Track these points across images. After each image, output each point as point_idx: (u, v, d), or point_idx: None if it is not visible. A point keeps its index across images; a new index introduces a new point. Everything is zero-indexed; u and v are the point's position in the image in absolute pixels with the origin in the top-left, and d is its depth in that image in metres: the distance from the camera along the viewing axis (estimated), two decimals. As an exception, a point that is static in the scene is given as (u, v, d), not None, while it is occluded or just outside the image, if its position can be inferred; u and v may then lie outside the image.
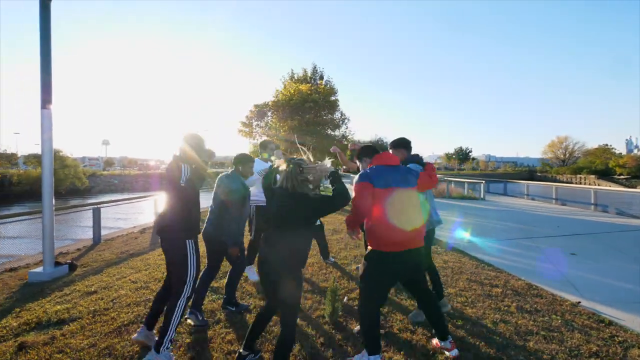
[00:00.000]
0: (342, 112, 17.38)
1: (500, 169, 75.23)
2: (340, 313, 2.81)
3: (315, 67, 18.33)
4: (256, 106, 16.73)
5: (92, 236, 7.45)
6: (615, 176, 50.17)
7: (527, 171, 66.44)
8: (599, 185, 35.18)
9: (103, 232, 8.41)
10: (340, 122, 17.22)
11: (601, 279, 4.26)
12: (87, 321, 2.96)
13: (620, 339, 2.75)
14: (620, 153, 61.21)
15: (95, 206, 7.75)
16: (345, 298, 3.34)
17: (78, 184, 34.32)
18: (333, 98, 16.35)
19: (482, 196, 14.59)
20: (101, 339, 2.65)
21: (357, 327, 2.67)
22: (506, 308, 3.29)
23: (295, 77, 17.72)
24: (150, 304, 3.23)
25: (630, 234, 7.35)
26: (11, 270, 5.03)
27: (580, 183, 45.28)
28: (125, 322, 2.90)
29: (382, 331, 2.66)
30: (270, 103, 16.24)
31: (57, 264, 4.70)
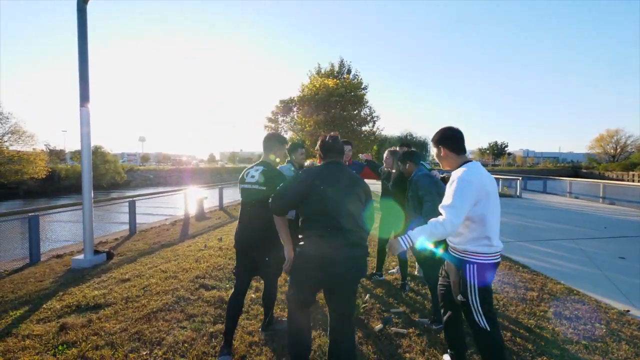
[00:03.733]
0: (370, 107, 17.06)
1: (540, 165, 70.66)
2: (361, 310, 2.76)
3: (342, 61, 18.10)
4: (282, 102, 16.88)
5: (128, 227, 7.94)
6: (674, 173, 45.36)
7: (571, 167, 61.90)
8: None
9: (138, 223, 8.95)
10: (369, 118, 16.90)
11: None
12: (120, 307, 3.15)
13: (675, 352, 2.47)
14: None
15: (131, 199, 8.22)
16: (368, 296, 3.28)
17: (117, 178, 36.77)
18: (360, 92, 16.06)
19: (518, 193, 13.78)
20: (132, 324, 2.80)
21: (378, 327, 2.62)
22: (542, 313, 3.07)
23: (322, 72, 17.60)
24: (178, 293, 3.40)
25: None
26: (57, 257, 5.46)
27: (633, 181, 41.41)
28: (154, 309, 3.04)
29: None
30: (295, 98, 16.30)
31: (97, 252, 5.04)
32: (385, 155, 3.64)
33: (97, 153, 35.34)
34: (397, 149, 3.81)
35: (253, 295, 3.36)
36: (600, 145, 60.47)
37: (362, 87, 16.00)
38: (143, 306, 3.13)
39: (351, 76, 16.76)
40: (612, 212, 9.86)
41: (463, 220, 1.74)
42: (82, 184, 4.97)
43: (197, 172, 47.18)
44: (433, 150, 2.09)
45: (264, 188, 2.27)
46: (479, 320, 1.83)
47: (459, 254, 1.89)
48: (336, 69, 17.70)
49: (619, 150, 58.92)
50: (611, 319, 3.01)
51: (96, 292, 3.53)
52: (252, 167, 2.48)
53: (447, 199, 1.80)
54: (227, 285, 3.65)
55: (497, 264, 1.88)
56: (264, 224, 2.24)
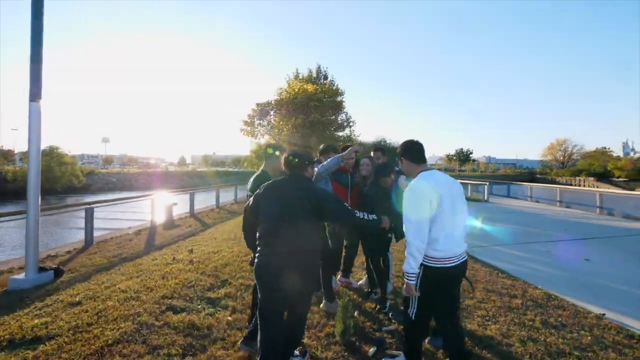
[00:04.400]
0: (347, 113, 17.08)
1: (501, 171, 75.03)
2: (352, 332, 2.49)
3: (319, 67, 18.00)
4: (258, 105, 16.39)
5: (84, 237, 7.12)
6: (614, 178, 50.04)
7: (527, 173, 66.23)
8: (597, 187, 34.99)
9: (97, 233, 8.08)
10: (346, 123, 16.91)
11: (619, 287, 4.03)
12: (66, 339, 2.62)
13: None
14: (618, 156, 61.20)
15: (88, 206, 7.41)
16: (356, 312, 3.01)
17: (75, 182, 33.92)
18: (339, 99, 16.02)
19: (486, 198, 14.29)
20: (80, 362, 2.32)
21: (372, 350, 2.35)
22: (530, 323, 2.99)
23: (300, 77, 17.40)
24: (140, 318, 2.93)
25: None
26: (-6, 275, 4.69)
27: (580, 185, 45.10)
28: (109, 341, 2.56)
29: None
30: (273, 102, 15.90)
31: (42, 269, 4.37)
32: (365, 161, 3.43)
33: (53, 154, 32.47)
34: (372, 153, 3.65)
35: (229, 318, 2.96)
36: (551, 152, 65.48)
37: (340, 93, 16.00)
38: (95, 338, 2.63)
39: (328, 82, 16.69)
40: (570, 215, 10.44)
41: (427, 231, 1.85)
42: (28, 189, 4.29)
43: (166, 176, 44.80)
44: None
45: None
46: (411, 310, 2.02)
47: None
48: (314, 74, 17.56)
49: (566, 157, 64.11)
50: (592, 325, 3.02)
51: (36, 321, 2.95)
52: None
53: (405, 215, 1.91)
54: (199, 306, 3.22)
55: (451, 268, 1.90)
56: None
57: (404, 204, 1.91)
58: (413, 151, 2.08)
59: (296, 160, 2.11)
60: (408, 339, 2.15)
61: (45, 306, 3.36)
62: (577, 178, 52.04)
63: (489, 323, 2.95)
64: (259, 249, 2.00)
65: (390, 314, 3.03)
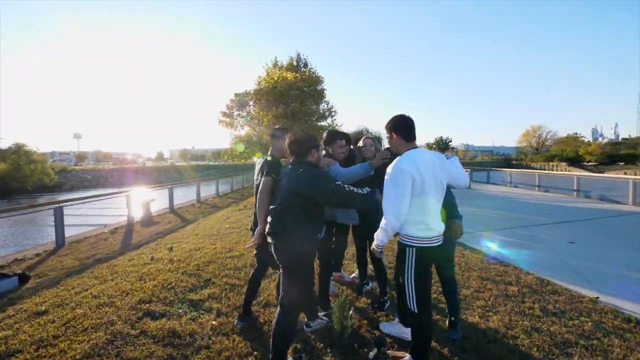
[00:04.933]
0: (328, 102, 16.71)
1: (478, 158, 77.18)
2: (350, 331, 2.29)
3: (299, 55, 17.43)
4: (237, 95, 15.75)
5: (54, 239, 6.60)
6: (584, 163, 52.44)
7: (504, 159, 68.34)
8: (569, 171, 36.52)
9: (71, 233, 7.56)
10: (327, 113, 16.55)
11: (606, 268, 4.08)
12: (28, 356, 2.30)
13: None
14: (589, 141, 64.05)
15: (58, 205, 6.86)
16: (352, 310, 2.81)
17: (46, 180, 32.18)
18: (320, 87, 15.58)
19: (468, 185, 14.48)
20: (42, 382, 2.02)
21: (372, 352, 2.17)
22: (530, 311, 2.90)
23: (280, 65, 16.81)
24: (113, 327, 2.63)
25: (618, 219, 7.30)
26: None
27: (553, 170, 46.93)
28: (77, 357, 2.25)
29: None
30: (252, 91, 15.32)
31: (3, 276, 3.94)
32: (367, 142, 3.02)
33: (20, 152, 30.62)
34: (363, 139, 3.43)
35: (214, 323, 2.70)
36: (526, 139, 67.67)
37: (320, 81, 15.57)
38: (61, 353, 2.32)
39: (308, 70, 16.23)
40: (550, 199, 10.70)
41: (406, 211, 1.83)
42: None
43: (143, 172, 43.15)
44: (386, 137, 2.11)
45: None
46: (410, 303, 1.92)
47: (402, 238, 1.95)
48: (294, 62, 17.01)
49: (541, 143, 66.48)
50: (589, 309, 2.99)
51: (-7, 337, 2.60)
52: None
53: (385, 193, 1.90)
54: (180, 311, 2.93)
55: (438, 247, 1.93)
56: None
57: (385, 180, 1.90)
58: (405, 127, 1.98)
59: (298, 145, 2.14)
60: (419, 338, 2.00)
61: (6, 317, 2.99)
62: (551, 163, 54.18)
63: (490, 314, 2.84)
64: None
65: (387, 303, 2.89)
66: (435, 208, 1.92)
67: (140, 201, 9.39)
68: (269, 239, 2.09)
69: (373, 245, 2.01)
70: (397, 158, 1.93)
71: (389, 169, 1.91)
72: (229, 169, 36.58)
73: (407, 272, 1.90)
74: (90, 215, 11.83)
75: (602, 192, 11.42)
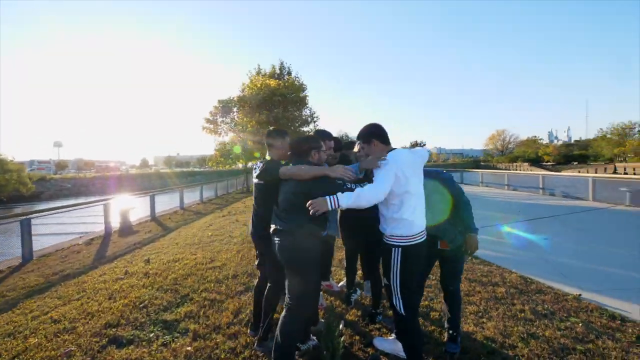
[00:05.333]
0: (311, 109, 16.48)
1: (450, 160, 79.33)
2: (341, 352, 1.97)
3: (282, 63, 17.12)
4: (220, 101, 15.21)
5: (21, 253, 5.89)
6: (544, 163, 54.98)
7: (473, 161, 70.53)
8: (531, 171, 38.08)
9: (46, 244, 6.86)
10: (310, 119, 16.30)
11: (581, 264, 4.01)
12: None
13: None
14: (547, 143, 67.37)
15: (23, 217, 6.15)
16: (342, 324, 2.50)
17: (23, 190, 29.89)
18: (302, 94, 15.32)
19: (444, 185, 14.55)
20: None
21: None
22: (522, 315, 2.70)
23: (263, 73, 16.42)
24: (74, 358, 2.18)
25: (583, 214, 7.41)
26: None
27: (517, 170, 48.85)
28: (19, 403, 1.81)
29: None
30: (235, 98, 14.82)
31: (-50, 301, 3.34)
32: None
33: (-5, 161, 28.33)
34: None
35: (189, 349, 2.30)
36: (492, 142, 70.31)
37: (303, 88, 15.32)
38: (0, 399, 1.87)
39: (292, 77, 15.95)
40: (519, 197, 10.86)
41: (383, 196, 1.78)
42: None
43: (126, 179, 41.16)
44: (359, 147, 2.06)
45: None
46: (397, 304, 1.86)
47: (387, 239, 1.89)
48: (277, 70, 16.67)
49: (505, 146, 69.25)
50: (576, 308, 2.85)
51: None
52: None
53: (375, 181, 1.84)
54: (152, 335, 2.51)
55: (422, 244, 1.87)
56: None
57: (375, 174, 1.84)
58: (383, 133, 2.00)
59: (299, 146, 2.08)
60: (411, 348, 1.87)
61: (-61, 355, 2.46)
62: (514, 164, 56.46)
63: (484, 320, 2.61)
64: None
65: (379, 316, 2.59)
66: (419, 205, 1.88)
67: (118, 210, 8.73)
68: (274, 239, 1.97)
69: (330, 202, 1.73)
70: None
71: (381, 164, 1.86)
72: (214, 175, 35.55)
73: (393, 273, 1.84)
74: (70, 223, 10.94)
75: (564, 189, 11.77)
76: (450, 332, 2.16)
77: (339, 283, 3.36)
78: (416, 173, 1.90)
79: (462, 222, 2.16)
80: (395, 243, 1.83)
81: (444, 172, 2.33)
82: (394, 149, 1.95)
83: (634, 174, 32.38)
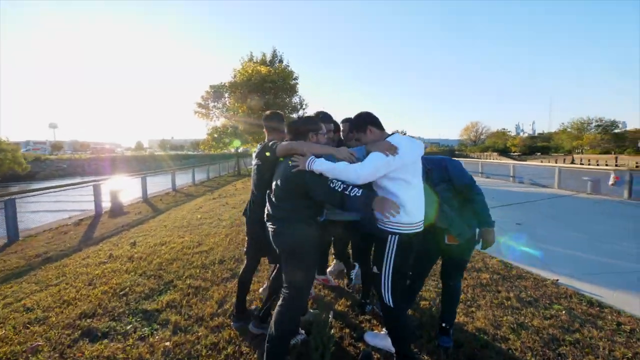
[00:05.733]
0: (300, 96, 15.85)
1: (428, 149, 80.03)
2: (332, 350, 1.71)
3: (275, 51, 16.22)
4: (212, 87, 14.33)
5: (6, 233, 5.36)
6: (511, 153, 56.28)
7: (448, 150, 71.38)
8: (500, 160, 38.90)
9: (40, 223, 6.34)
10: (299, 106, 15.70)
11: (554, 249, 3.93)
12: None
13: (626, 327, 2.21)
14: (515, 135, 68.75)
15: (8, 198, 5.57)
16: (332, 315, 2.24)
17: (18, 169, 28.13)
18: (293, 82, 14.63)
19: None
20: None
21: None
22: (509, 303, 2.53)
23: (255, 60, 15.54)
24: (35, 357, 1.84)
25: (551, 201, 7.44)
26: None
27: (487, 159, 49.86)
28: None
29: None
30: (227, 84, 13.99)
31: None
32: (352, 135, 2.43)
33: (-13, 141, 26.37)
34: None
35: (167, 344, 1.99)
36: (466, 133, 71.20)
37: (294, 77, 14.64)
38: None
39: (283, 65, 15.19)
40: (491, 184, 10.89)
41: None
42: None
43: (120, 161, 39.40)
44: (352, 135, 1.83)
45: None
46: (385, 295, 1.66)
47: (383, 225, 1.64)
48: (268, 57, 15.82)
49: (477, 137, 70.30)
50: (557, 295, 2.73)
51: None
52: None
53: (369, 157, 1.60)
54: (129, 327, 2.17)
55: (419, 235, 1.67)
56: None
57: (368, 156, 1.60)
58: (377, 120, 1.78)
59: (295, 127, 1.80)
60: (399, 341, 1.67)
61: None
62: (485, 153, 57.53)
63: (473, 309, 2.41)
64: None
65: (369, 306, 2.34)
66: (418, 192, 1.67)
67: (110, 190, 8.15)
68: (268, 225, 1.73)
69: (309, 163, 1.57)
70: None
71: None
72: (207, 159, 34.47)
73: (386, 261, 1.63)
74: (68, 201, 10.17)
75: (532, 177, 11.90)
76: (444, 324, 1.94)
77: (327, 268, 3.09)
78: (416, 162, 1.68)
79: (473, 214, 1.88)
80: (391, 230, 1.60)
81: (451, 158, 2.03)
82: (391, 134, 1.72)
83: (589, 164, 33.58)
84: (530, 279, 3.07)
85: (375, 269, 1.70)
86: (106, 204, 7.72)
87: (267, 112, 2.13)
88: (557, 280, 3.05)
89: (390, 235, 1.61)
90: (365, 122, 1.74)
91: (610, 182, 8.81)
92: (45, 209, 9.96)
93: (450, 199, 1.85)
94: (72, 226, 6.21)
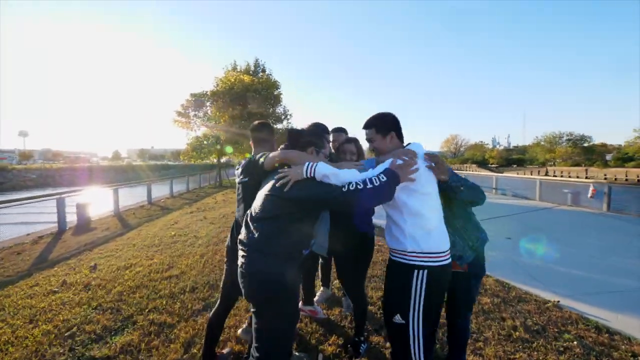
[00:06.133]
0: (284, 106, 15.68)
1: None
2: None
3: (257, 60, 16.07)
4: (193, 95, 13.87)
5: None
6: (489, 165, 58.49)
7: (430, 162, 73.18)
8: (479, 172, 40.20)
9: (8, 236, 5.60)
10: (283, 116, 15.48)
11: (547, 265, 3.80)
12: None
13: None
14: (492, 148, 71.79)
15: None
16: (320, 357, 1.90)
17: (-23, 180, 26.02)
18: (277, 92, 14.46)
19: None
20: None
21: None
22: (517, 334, 2.28)
23: (238, 69, 15.29)
24: None
25: (534, 213, 7.48)
26: None
27: (466, 170, 51.44)
28: None
29: None
30: (209, 92, 13.59)
31: None
32: (349, 147, 1.99)
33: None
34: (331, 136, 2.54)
35: None
36: (447, 145, 73.59)
37: (277, 86, 14.49)
38: None
39: (266, 75, 15.03)
40: (477, 196, 10.97)
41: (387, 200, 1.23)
42: None
43: (96, 171, 37.43)
44: (369, 139, 1.52)
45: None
46: (415, 353, 1.27)
47: (404, 257, 1.30)
48: (252, 68, 15.63)
49: (457, 149, 72.81)
50: (562, 320, 2.54)
51: None
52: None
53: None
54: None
55: (450, 267, 1.34)
56: None
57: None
58: (399, 126, 1.48)
59: (296, 136, 1.51)
60: None
61: None
62: (465, 165, 59.46)
63: (480, 344, 2.14)
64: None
65: (363, 345, 1.99)
66: (438, 204, 1.40)
67: (75, 204, 7.45)
68: (239, 255, 1.36)
69: (306, 169, 1.26)
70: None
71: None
72: (187, 169, 33.38)
73: (414, 307, 1.26)
74: (38, 213, 9.17)
75: (513, 189, 12.13)
76: None
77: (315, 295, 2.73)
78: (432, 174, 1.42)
79: (473, 229, 1.63)
80: (418, 263, 1.26)
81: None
82: (408, 143, 1.49)
83: (562, 176, 35.26)
84: (532, 302, 2.89)
85: (398, 318, 1.31)
86: (74, 219, 7.02)
87: (256, 123, 1.82)
88: (559, 302, 2.89)
89: (415, 271, 1.27)
90: (390, 127, 1.45)
91: (589, 194, 9.06)
92: (8, 221, 9.00)
93: (450, 218, 1.59)
94: (30, 245, 5.52)
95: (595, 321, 2.54)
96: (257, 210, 1.34)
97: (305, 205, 1.27)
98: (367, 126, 1.49)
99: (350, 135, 2.25)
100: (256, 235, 1.30)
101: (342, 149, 1.92)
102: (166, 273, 3.34)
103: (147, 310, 2.53)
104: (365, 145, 2.28)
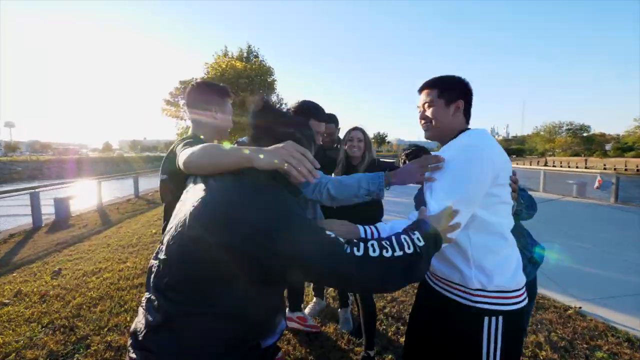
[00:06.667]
0: (278, 94, 15.11)
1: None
2: None
3: (250, 46, 15.38)
4: (182, 82, 13.24)
5: None
6: (488, 155, 58.67)
7: (428, 152, 73.27)
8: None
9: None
10: (277, 105, 14.94)
11: (562, 264, 3.48)
12: None
13: None
14: (491, 138, 72.08)
15: None
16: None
17: (-42, 173, 25.22)
18: (270, 78, 13.87)
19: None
20: None
21: None
22: (544, 354, 1.97)
23: (230, 55, 14.61)
24: None
25: (542, 205, 6.91)
26: None
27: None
28: None
29: None
30: (199, 79, 12.99)
31: None
32: (357, 134, 1.81)
33: None
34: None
35: None
36: (445, 135, 73.78)
37: (271, 72, 13.89)
38: None
39: (259, 61, 14.40)
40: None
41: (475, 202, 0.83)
42: None
43: (86, 163, 36.57)
44: (425, 105, 1.03)
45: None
46: None
47: (466, 295, 0.87)
48: (244, 54, 14.96)
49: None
50: (589, 332, 2.26)
51: None
52: None
53: (451, 180, 0.87)
54: None
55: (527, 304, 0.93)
56: None
57: (452, 163, 0.89)
58: (471, 98, 1.02)
59: (273, 122, 0.81)
60: None
61: None
62: (464, 155, 59.57)
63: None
64: None
65: None
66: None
67: (53, 199, 7.01)
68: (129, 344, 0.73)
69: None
70: (464, 135, 0.96)
71: (459, 148, 0.92)
72: (181, 160, 32.64)
73: None
74: (25, 205, 8.61)
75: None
76: None
77: (305, 308, 2.35)
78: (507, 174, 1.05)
79: (527, 235, 1.35)
80: (492, 307, 0.86)
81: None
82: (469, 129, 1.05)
83: (561, 166, 35.26)
84: (551, 308, 2.64)
85: None
86: (34, 217, 6.51)
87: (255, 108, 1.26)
88: (580, 308, 2.62)
89: (486, 319, 0.87)
90: (459, 94, 1.00)
91: (596, 185, 8.81)
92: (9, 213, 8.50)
93: None
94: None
95: (625, 332, 2.29)
96: (170, 267, 0.70)
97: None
98: (428, 85, 1.01)
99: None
100: (168, 310, 0.67)
101: (349, 136, 1.79)
102: (137, 280, 2.96)
103: (106, 329, 2.14)
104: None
